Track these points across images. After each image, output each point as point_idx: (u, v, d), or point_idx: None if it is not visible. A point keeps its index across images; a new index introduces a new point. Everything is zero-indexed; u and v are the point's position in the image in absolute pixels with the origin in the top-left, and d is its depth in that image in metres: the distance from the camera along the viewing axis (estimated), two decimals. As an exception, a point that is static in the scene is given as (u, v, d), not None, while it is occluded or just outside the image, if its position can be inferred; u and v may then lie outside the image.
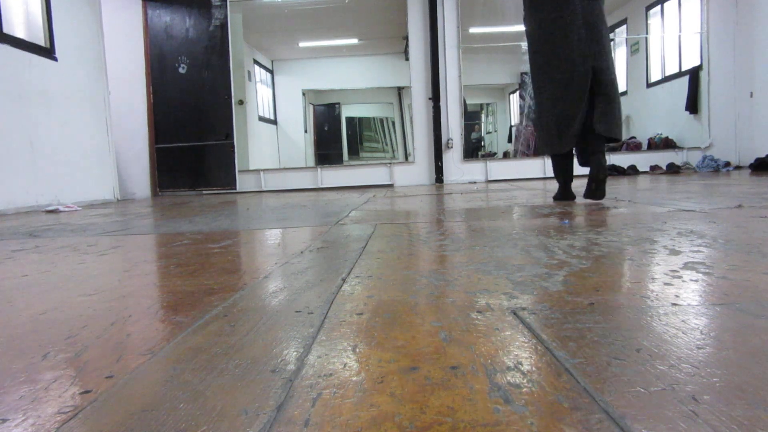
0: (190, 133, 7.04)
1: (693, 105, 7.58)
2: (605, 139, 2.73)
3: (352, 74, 10.87)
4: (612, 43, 2.61)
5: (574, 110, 2.74)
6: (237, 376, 0.61)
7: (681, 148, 7.56)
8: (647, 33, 8.72)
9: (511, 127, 10.23)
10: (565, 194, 3.05)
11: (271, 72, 10.95)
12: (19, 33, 4.72)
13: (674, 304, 0.82)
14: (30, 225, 3.02)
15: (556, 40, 2.77)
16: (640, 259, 1.20)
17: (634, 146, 7.93)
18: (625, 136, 8.52)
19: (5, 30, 4.48)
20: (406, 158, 9.58)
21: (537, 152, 7.48)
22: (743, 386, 0.52)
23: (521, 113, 8.73)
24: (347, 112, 11.98)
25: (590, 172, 2.70)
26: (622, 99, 2.71)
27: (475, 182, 7.01)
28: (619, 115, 2.75)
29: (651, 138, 8.06)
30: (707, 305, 0.81)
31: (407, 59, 7.70)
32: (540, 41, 2.86)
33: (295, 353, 0.68)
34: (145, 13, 7.02)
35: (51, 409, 0.55)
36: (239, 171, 7.10)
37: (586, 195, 2.74)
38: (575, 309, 0.81)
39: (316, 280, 1.12)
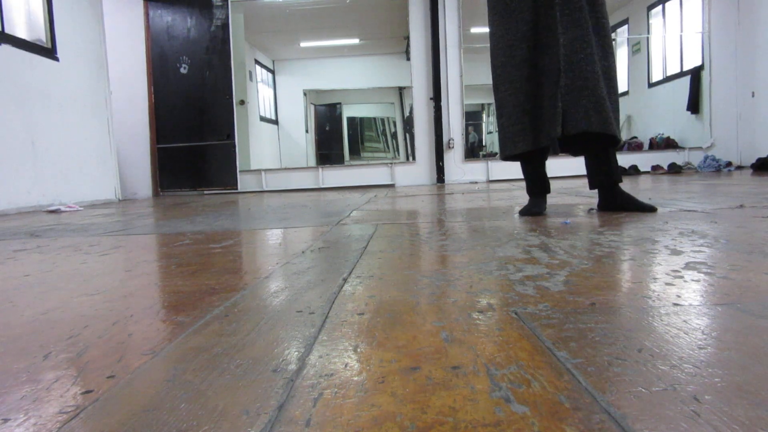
0: (192, 133, 7.05)
1: (694, 105, 7.57)
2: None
3: (354, 74, 10.87)
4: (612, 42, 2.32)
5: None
6: (238, 375, 0.61)
7: (682, 148, 7.55)
8: (649, 33, 8.71)
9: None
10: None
11: (273, 72, 10.96)
12: (21, 33, 4.73)
13: (676, 304, 0.82)
14: (32, 225, 3.02)
15: None
16: (641, 259, 1.20)
17: (635, 146, 7.92)
18: (626, 136, 8.52)
19: (7, 30, 4.49)
20: (408, 158, 9.58)
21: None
22: (745, 386, 0.52)
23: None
24: (348, 112, 11.99)
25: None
26: (624, 99, 2.46)
27: (476, 182, 7.01)
28: None
29: (652, 138, 8.05)
30: (709, 305, 0.81)
31: (408, 59, 7.70)
32: None
33: (296, 353, 0.68)
34: (147, 14, 7.03)
35: (52, 408, 0.55)
36: (240, 171, 7.10)
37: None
38: (576, 309, 0.81)
39: (317, 280, 1.12)
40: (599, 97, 2.09)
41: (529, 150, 2.27)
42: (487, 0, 2.38)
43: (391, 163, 7.54)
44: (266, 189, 7.27)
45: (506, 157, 2.38)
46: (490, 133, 11.37)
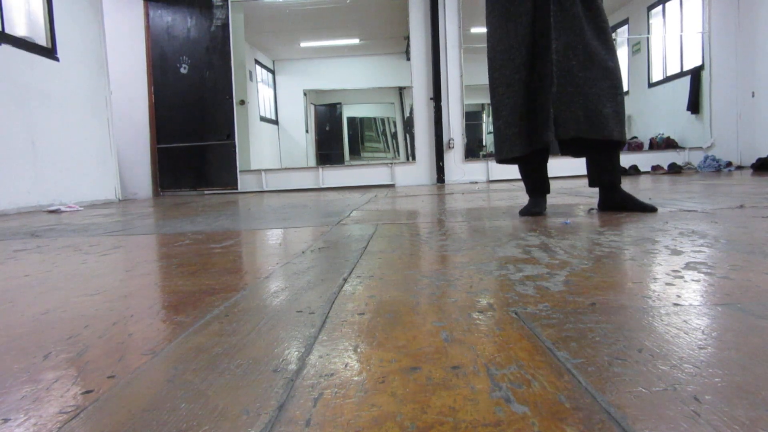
0: (192, 133, 7.05)
1: (695, 105, 7.57)
2: None
3: (354, 74, 10.87)
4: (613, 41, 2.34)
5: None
6: (238, 375, 0.61)
7: (683, 148, 7.55)
8: (649, 33, 8.71)
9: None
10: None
11: (273, 72, 10.95)
12: (21, 33, 4.73)
13: (676, 304, 0.81)
14: (32, 225, 3.02)
15: None
16: (641, 259, 1.20)
17: (635, 146, 7.92)
18: (627, 136, 8.51)
19: (7, 30, 4.49)
20: (408, 158, 9.58)
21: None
22: (745, 386, 0.52)
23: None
24: (348, 112, 11.99)
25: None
26: (625, 99, 2.42)
27: (476, 182, 7.01)
28: None
29: (653, 138, 8.05)
30: (709, 305, 0.81)
31: (408, 59, 7.69)
32: None
33: (296, 353, 0.68)
34: (147, 14, 7.03)
35: (53, 408, 0.55)
36: (240, 171, 7.10)
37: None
38: (577, 309, 0.81)
39: (317, 280, 1.12)
40: (592, 103, 2.11)
41: (524, 153, 2.28)
42: (486, 2, 2.39)
43: (391, 163, 7.54)
44: (266, 189, 7.27)
45: (502, 160, 2.39)
46: (490, 133, 11.36)
